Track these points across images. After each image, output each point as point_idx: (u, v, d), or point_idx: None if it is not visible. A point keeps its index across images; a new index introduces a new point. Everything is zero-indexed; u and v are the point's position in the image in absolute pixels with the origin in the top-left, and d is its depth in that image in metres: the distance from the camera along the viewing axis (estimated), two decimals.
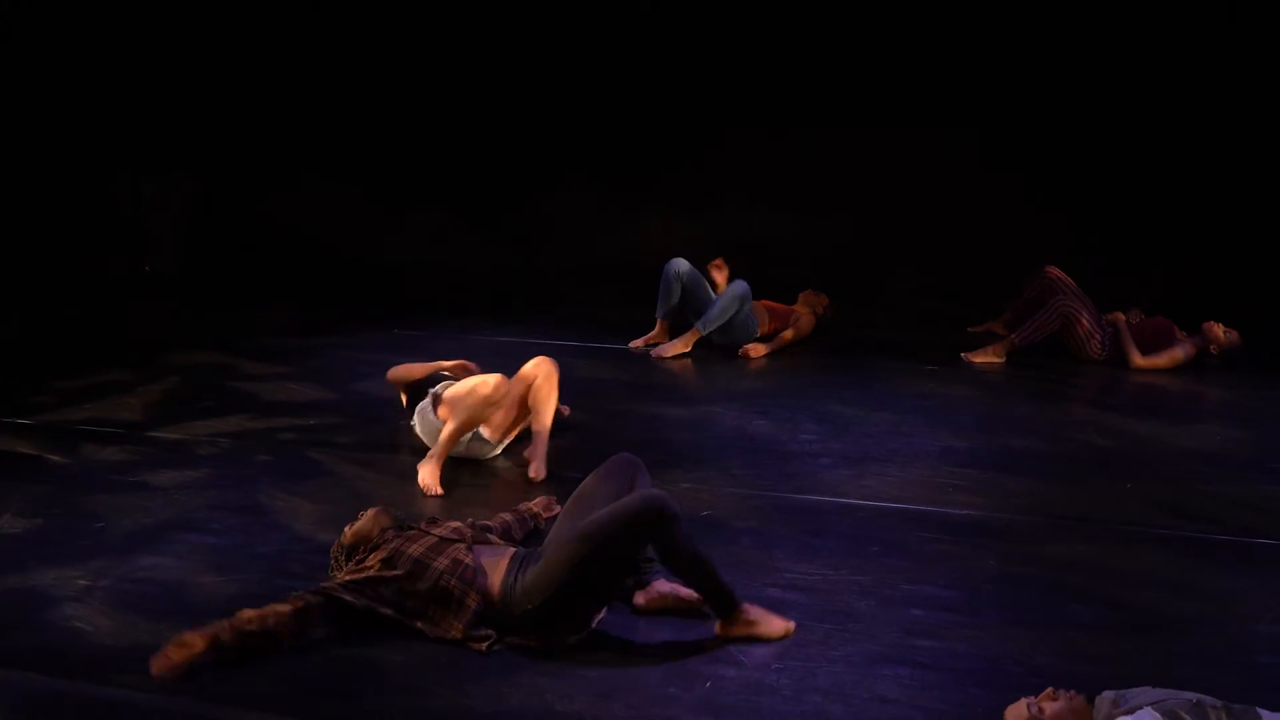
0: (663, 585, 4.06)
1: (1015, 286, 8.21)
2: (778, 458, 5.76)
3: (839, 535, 4.82)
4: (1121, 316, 7.74)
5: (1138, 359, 7.45)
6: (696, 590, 3.91)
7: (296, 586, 4.05)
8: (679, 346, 7.59)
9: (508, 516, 4.64)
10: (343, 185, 10.51)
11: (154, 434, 5.97)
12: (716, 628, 3.91)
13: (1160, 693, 3.19)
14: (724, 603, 3.87)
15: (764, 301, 7.95)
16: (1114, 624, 4.11)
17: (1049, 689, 3.35)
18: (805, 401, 6.75)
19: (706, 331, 7.60)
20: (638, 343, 7.78)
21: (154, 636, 3.77)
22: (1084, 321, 7.54)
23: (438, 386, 5.70)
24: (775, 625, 3.91)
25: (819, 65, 9.57)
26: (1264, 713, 3.09)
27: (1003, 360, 7.57)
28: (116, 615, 4.04)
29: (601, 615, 3.94)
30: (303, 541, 4.69)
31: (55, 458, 5.61)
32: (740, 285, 7.65)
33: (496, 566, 3.94)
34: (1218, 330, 7.55)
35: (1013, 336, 7.64)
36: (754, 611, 3.90)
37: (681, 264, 7.71)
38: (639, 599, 4.05)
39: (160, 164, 10.28)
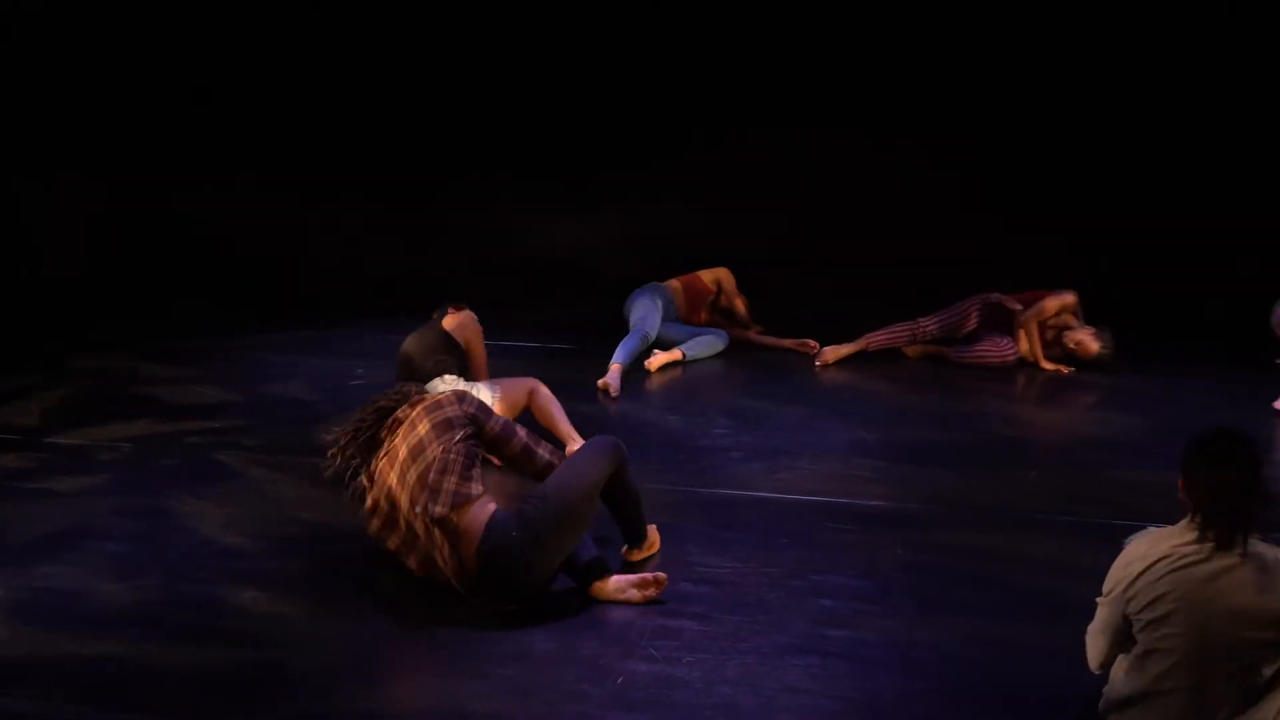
0: (619, 580, 4.17)
1: (930, 284, 8.21)
2: (690, 452, 5.78)
3: (750, 528, 4.86)
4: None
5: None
6: (626, 518, 4.44)
7: (203, 591, 3.98)
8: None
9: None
10: (251, 183, 10.32)
11: (54, 440, 5.83)
12: (628, 554, 4.49)
13: None
14: (640, 532, 4.50)
15: (676, 281, 7.97)
16: (1019, 610, 4.18)
17: None
18: (717, 396, 6.79)
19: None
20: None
21: (53, 647, 3.69)
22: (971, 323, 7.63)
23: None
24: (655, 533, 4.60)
25: (737, 62, 9.58)
26: None
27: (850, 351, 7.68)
28: (13, 625, 3.94)
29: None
30: (209, 545, 4.61)
31: None
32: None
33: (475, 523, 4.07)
34: (1090, 345, 7.52)
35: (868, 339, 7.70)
36: (652, 533, 4.58)
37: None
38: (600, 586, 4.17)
39: (62, 164, 10.03)
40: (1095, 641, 3.31)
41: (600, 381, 6.76)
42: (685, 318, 7.83)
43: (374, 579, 4.35)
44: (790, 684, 3.63)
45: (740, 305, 8.05)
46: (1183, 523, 3.17)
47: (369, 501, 4.29)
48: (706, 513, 5.01)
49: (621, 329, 7.47)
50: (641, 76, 9.67)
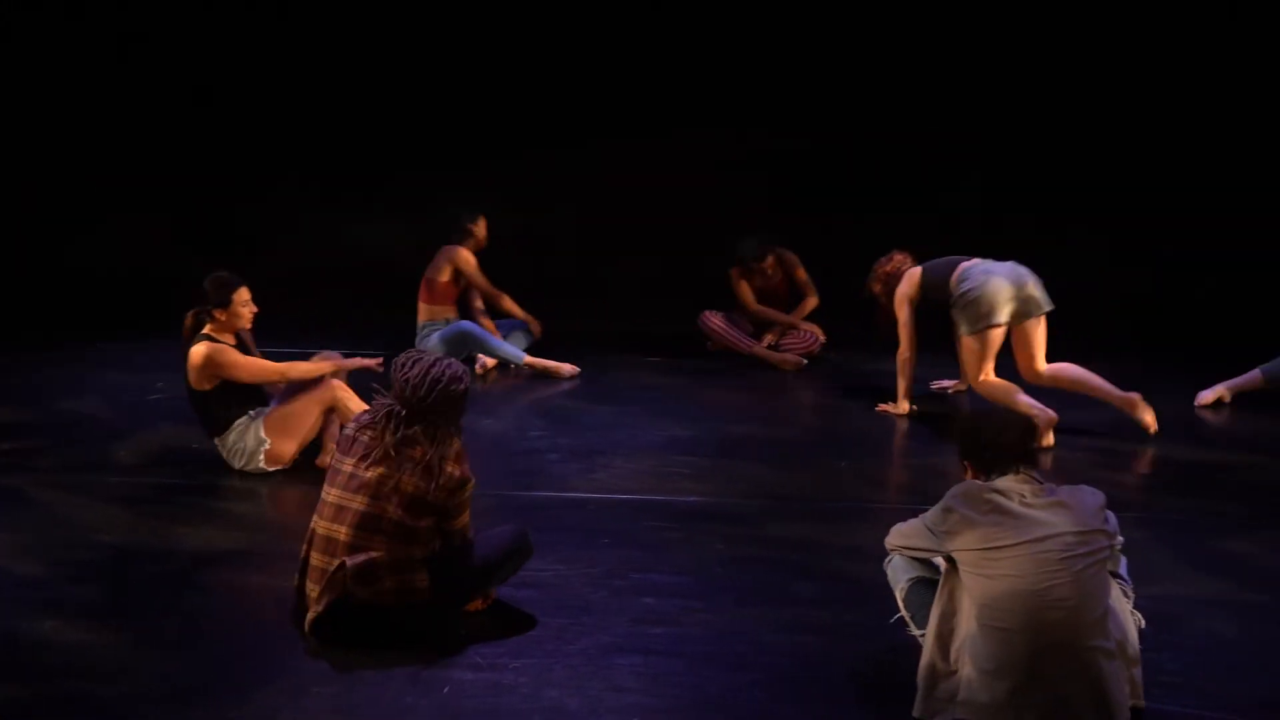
0: None
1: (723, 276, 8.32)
2: (505, 456, 5.75)
3: (570, 529, 4.85)
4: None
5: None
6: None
7: None
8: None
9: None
10: (42, 192, 9.80)
11: None
12: None
13: None
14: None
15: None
16: (835, 597, 4.29)
17: None
18: (531, 398, 6.77)
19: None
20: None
21: None
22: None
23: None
24: None
25: (534, 68, 9.60)
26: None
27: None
28: None
29: None
30: (1, 575, 4.35)
31: None
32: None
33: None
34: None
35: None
36: None
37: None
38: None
39: None
40: (910, 541, 3.56)
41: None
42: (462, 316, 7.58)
43: (180, 601, 4.18)
44: (616, 684, 3.64)
45: (483, 284, 7.52)
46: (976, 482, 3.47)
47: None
48: (526, 516, 4.95)
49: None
50: (444, 82, 9.60)
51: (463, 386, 3.90)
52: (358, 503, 3.81)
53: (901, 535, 3.62)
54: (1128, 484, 5.56)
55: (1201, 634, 4.03)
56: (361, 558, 3.76)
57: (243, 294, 5.50)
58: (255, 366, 5.49)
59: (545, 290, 8.48)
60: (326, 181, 9.66)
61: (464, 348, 7.19)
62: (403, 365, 3.91)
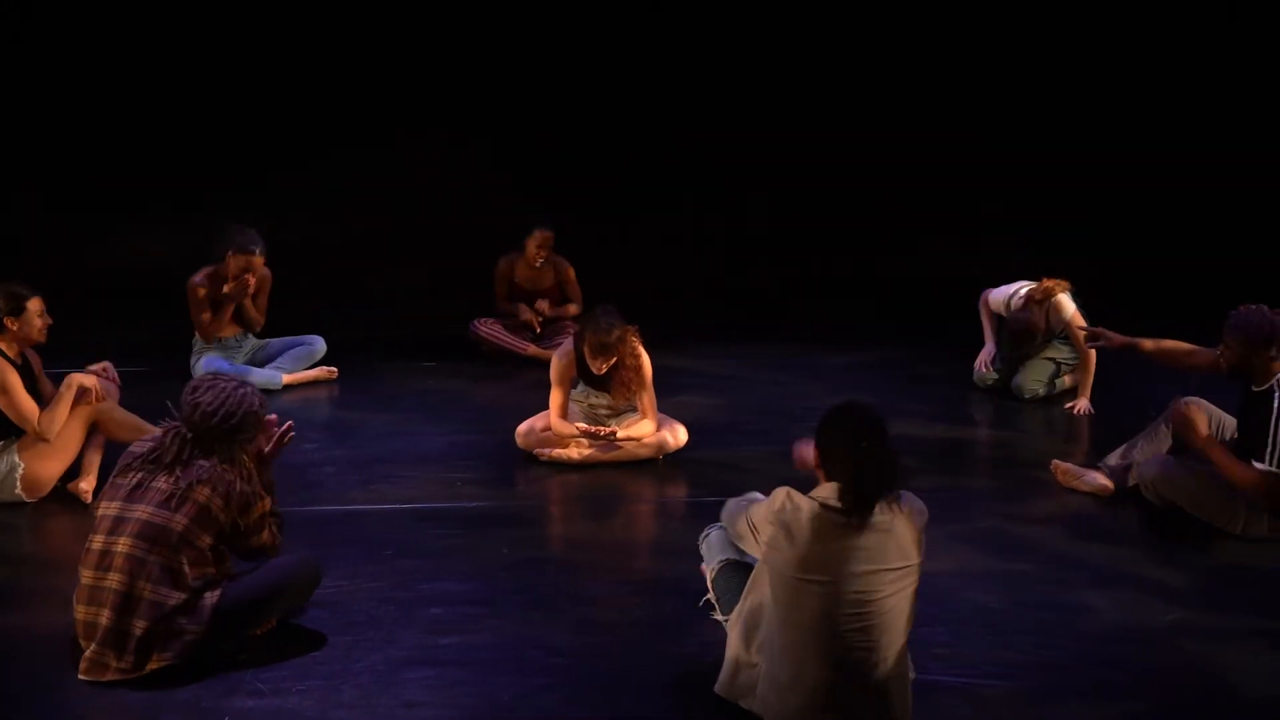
0: None
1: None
2: (280, 471, 5.51)
3: (351, 543, 4.74)
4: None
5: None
6: None
7: None
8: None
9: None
10: None
11: None
12: None
13: None
14: None
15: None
16: (626, 595, 4.33)
17: None
18: (305, 410, 6.58)
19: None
20: None
21: None
22: None
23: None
24: None
25: (323, 76, 9.41)
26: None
27: None
28: None
29: None
30: None
31: None
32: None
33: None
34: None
35: None
36: None
37: None
38: None
39: None
40: (734, 526, 3.50)
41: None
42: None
43: None
44: (407, 699, 3.58)
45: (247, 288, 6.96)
46: (818, 494, 3.30)
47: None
48: (305, 533, 4.81)
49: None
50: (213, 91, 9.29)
51: (255, 415, 3.83)
52: (141, 512, 3.66)
53: (729, 517, 3.63)
54: None
55: (968, 605, 4.24)
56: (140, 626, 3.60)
57: (36, 304, 5.20)
58: (19, 403, 5.08)
59: (314, 298, 8.27)
60: (87, 188, 9.17)
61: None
62: (195, 389, 3.80)
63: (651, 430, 5.71)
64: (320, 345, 7.28)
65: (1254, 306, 4.77)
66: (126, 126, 9.25)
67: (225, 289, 6.87)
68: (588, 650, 3.89)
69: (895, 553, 3.24)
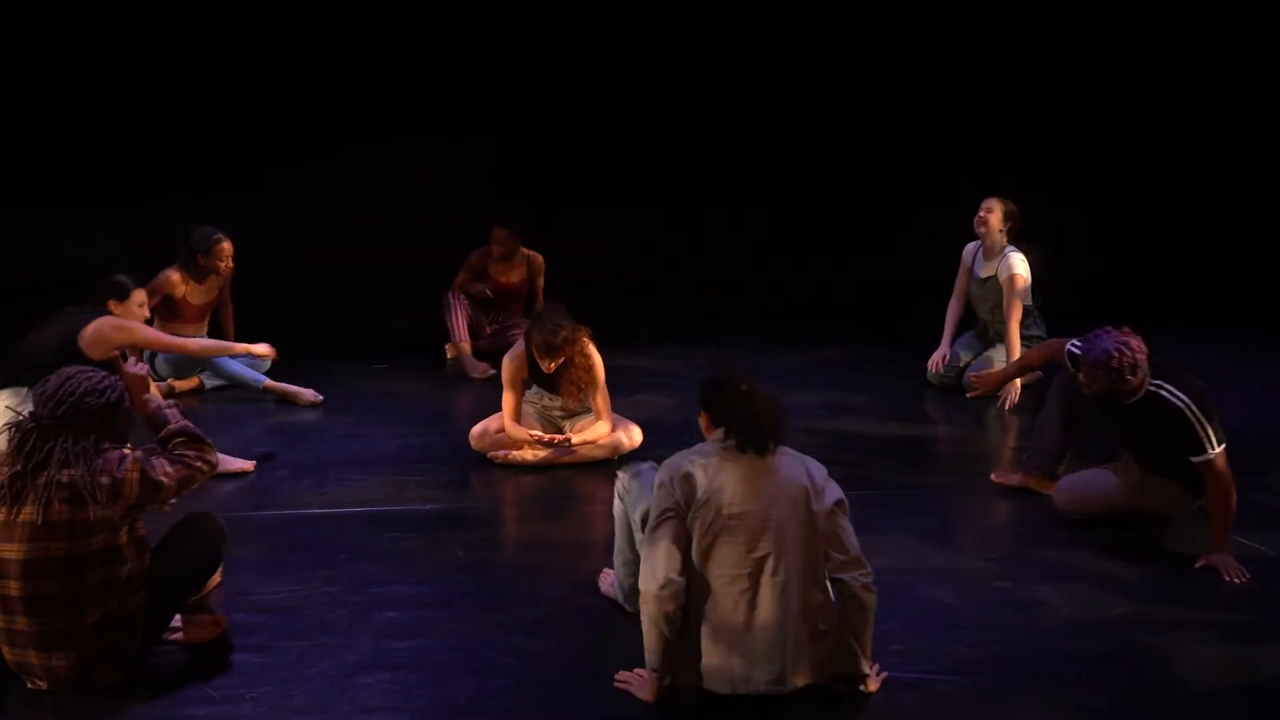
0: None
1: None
2: (230, 475, 5.50)
3: (306, 548, 4.69)
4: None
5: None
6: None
7: None
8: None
9: None
10: None
11: None
12: None
13: None
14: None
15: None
16: (580, 594, 4.30)
17: None
18: (256, 414, 6.51)
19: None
20: None
21: None
22: None
23: None
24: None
25: (278, 81, 9.34)
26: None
27: None
28: None
29: None
30: None
31: None
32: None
33: None
34: None
35: None
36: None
37: None
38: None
39: None
40: (659, 558, 3.42)
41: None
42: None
43: None
44: (362, 704, 3.54)
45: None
46: (714, 441, 3.54)
47: None
48: (257, 538, 4.79)
49: None
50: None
51: (103, 400, 3.58)
52: (14, 551, 3.45)
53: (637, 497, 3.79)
54: (848, 461, 5.81)
55: (924, 601, 4.26)
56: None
57: (140, 294, 5.62)
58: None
59: (266, 301, 8.18)
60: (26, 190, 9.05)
61: (193, 367, 6.88)
62: (45, 380, 3.63)
63: (607, 431, 5.71)
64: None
65: (1104, 333, 4.61)
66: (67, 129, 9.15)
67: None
68: (544, 651, 3.87)
69: (797, 490, 3.45)
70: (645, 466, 3.96)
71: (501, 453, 5.67)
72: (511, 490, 5.48)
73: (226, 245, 6.92)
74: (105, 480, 3.48)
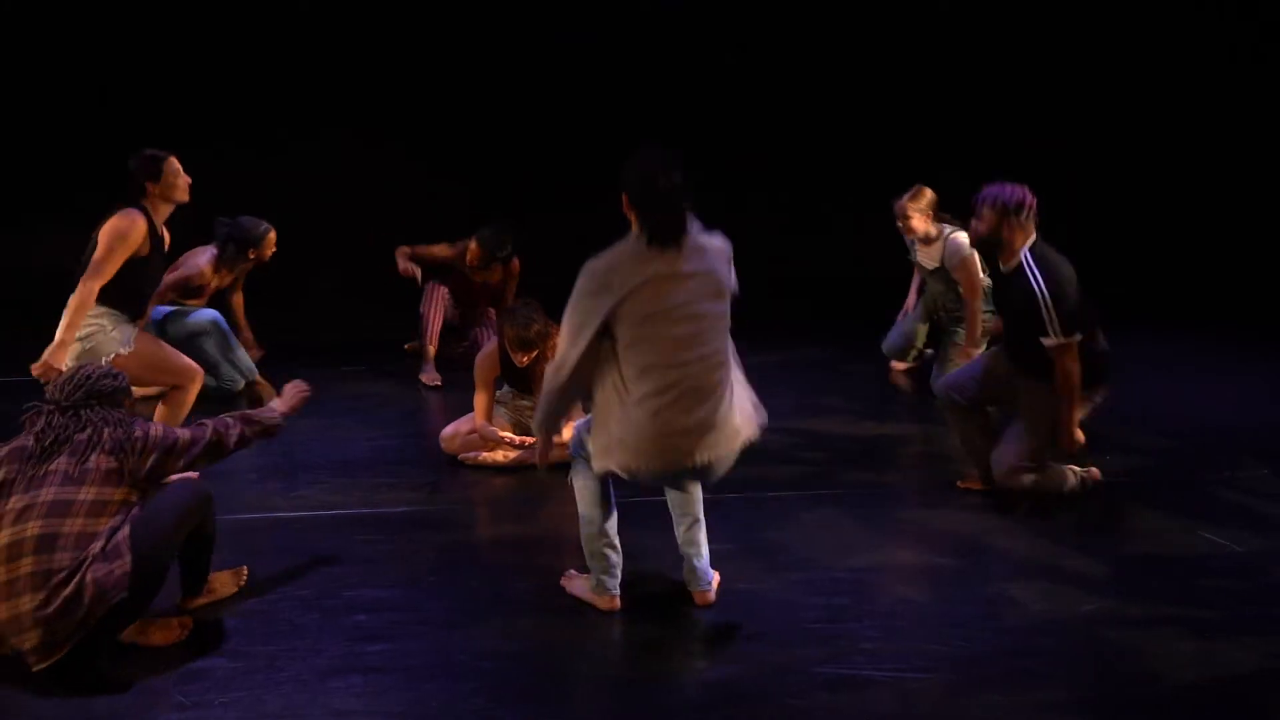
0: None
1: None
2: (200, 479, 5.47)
3: (274, 552, 4.67)
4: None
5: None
6: (191, 568, 4.08)
7: None
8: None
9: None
10: None
11: None
12: (185, 603, 4.10)
13: None
14: (201, 581, 4.15)
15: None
16: (552, 595, 4.30)
17: None
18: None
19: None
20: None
21: None
22: None
23: None
24: (227, 580, 4.26)
25: (239, 73, 9.30)
26: None
27: None
28: None
29: None
30: None
31: None
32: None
33: None
34: None
35: None
36: (214, 579, 4.21)
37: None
38: None
39: None
40: (571, 349, 3.69)
41: None
42: None
43: None
44: (335, 708, 3.53)
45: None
46: (631, 238, 3.73)
47: None
48: (226, 541, 4.70)
49: None
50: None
51: (117, 383, 3.97)
52: (46, 494, 3.65)
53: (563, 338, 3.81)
54: (819, 460, 5.84)
55: (893, 600, 4.28)
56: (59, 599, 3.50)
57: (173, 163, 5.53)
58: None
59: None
60: None
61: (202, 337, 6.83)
62: (55, 378, 4.08)
63: None
64: None
65: (1005, 182, 4.99)
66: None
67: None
68: (516, 653, 3.87)
69: (712, 277, 3.72)
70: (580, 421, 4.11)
71: (472, 454, 5.66)
72: (483, 492, 5.47)
73: (274, 234, 7.06)
74: (139, 434, 3.82)
